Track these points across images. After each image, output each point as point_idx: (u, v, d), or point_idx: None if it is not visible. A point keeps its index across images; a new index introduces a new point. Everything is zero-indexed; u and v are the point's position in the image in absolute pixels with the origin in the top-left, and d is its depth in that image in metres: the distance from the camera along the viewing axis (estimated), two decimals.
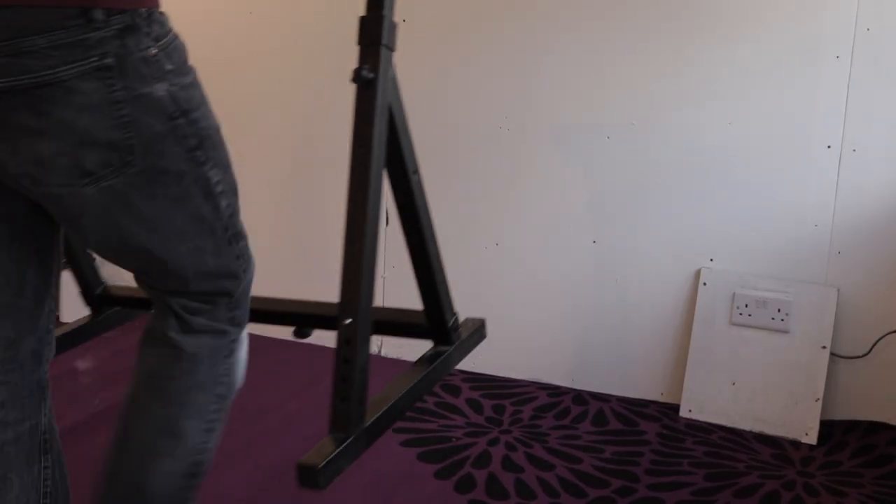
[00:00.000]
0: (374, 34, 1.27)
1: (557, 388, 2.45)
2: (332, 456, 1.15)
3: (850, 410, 2.24)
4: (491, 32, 2.39)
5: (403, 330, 1.58)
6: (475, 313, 2.55)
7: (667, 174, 2.30)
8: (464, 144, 2.48)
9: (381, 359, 2.63)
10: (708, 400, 2.28)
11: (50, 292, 1.24)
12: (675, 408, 2.33)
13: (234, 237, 1.22)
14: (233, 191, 1.21)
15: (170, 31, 1.10)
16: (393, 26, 1.30)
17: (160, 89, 1.07)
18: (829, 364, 2.19)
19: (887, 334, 2.19)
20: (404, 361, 2.61)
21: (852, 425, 2.21)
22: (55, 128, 1.02)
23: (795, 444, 2.16)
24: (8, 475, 1.18)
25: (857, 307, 2.20)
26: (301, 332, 1.68)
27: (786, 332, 2.22)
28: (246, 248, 1.26)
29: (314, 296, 1.76)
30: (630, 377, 2.41)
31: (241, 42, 2.70)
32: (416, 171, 1.43)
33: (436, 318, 1.53)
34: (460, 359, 1.56)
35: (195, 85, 1.14)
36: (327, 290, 1.78)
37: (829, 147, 2.17)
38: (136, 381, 1.23)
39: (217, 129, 1.18)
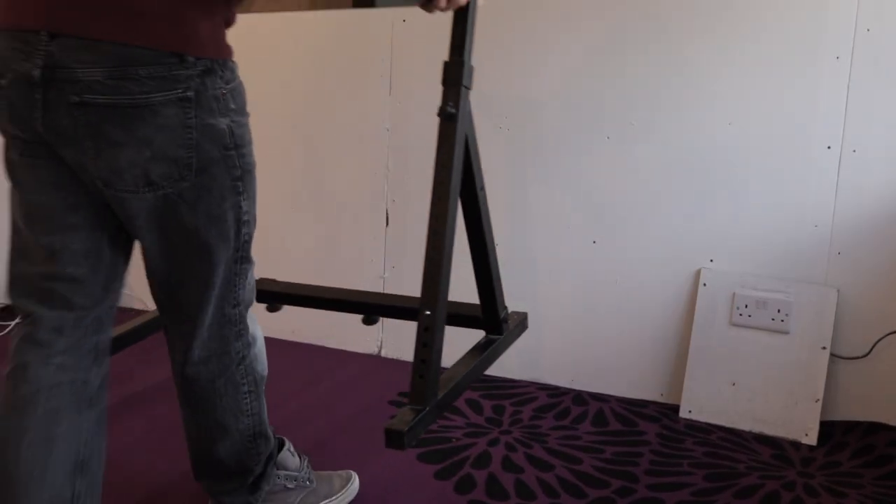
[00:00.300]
0: (456, 76, 1.55)
1: (557, 388, 2.46)
2: (413, 423, 1.42)
3: (849, 411, 2.24)
4: (490, 32, 2.39)
5: (462, 321, 1.82)
6: None
7: (667, 174, 2.30)
8: None
9: (381, 359, 2.63)
10: (708, 400, 2.28)
11: (119, 273, 1.46)
12: (675, 408, 2.33)
13: (243, 257, 1.47)
14: (253, 222, 1.46)
15: (236, 77, 1.37)
16: (471, 70, 1.56)
17: (223, 122, 1.34)
18: (829, 364, 2.19)
19: (887, 335, 2.19)
20: (405, 362, 2.61)
21: (852, 426, 2.21)
22: (136, 142, 1.27)
23: (795, 445, 2.16)
24: (61, 410, 1.39)
25: (857, 307, 2.20)
26: (369, 320, 2.00)
27: (786, 332, 2.22)
28: (249, 272, 1.51)
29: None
30: (630, 378, 2.42)
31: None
32: (482, 188, 1.70)
33: (490, 312, 1.80)
34: (507, 346, 1.82)
35: (247, 126, 1.40)
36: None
37: (829, 147, 2.17)
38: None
39: (254, 167, 1.44)
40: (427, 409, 1.47)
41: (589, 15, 2.31)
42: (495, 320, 1.78)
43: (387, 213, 2.61)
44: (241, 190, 1.40)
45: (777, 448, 2.14)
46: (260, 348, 1.59)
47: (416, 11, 2.47)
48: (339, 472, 1.88)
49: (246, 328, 1.54)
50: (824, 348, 2.19)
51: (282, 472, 1.71)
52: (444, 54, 2.45)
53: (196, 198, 1.34)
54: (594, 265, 2.41)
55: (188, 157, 1.31)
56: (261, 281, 2.10)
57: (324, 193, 2.64)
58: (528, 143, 2.40)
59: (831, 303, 2.19)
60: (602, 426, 2.24)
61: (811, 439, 2.16)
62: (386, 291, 2.63)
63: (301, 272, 2.56)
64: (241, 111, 1.38)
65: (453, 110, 1.53)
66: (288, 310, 2.45)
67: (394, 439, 1.41)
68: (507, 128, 2.42)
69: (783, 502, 1.88)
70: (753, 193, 2.24)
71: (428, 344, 1.47)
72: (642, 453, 2.09)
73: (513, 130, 2.41)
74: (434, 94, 2.49)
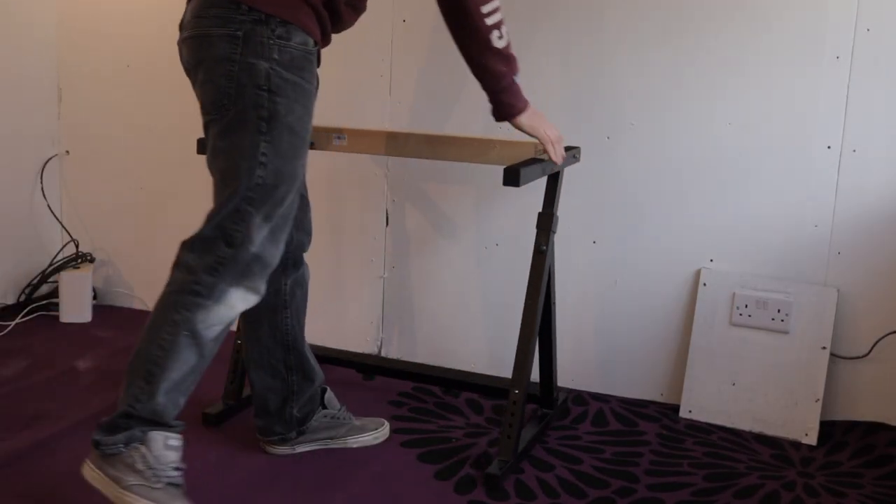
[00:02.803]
0: (547, 224, 2.03)
1: (557, 388, 2.45)
2: (504, 468, 1.93)
3: (849, 411, 2.24)
4: None
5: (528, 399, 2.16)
6: (474, 313, 2.56)
7: (667, 174, 2.30)
8: None
9: (381, 359, 2.62)
10: (708, 400, 2.28)
11: (306, 202, 1.94)
12: (675, 408, 2.33)
13: (248, 201, 1.62)
14: (274, 172, 1.61)
15: (292, 39, 1.61)
16: (556, 219, 2.05)
17: (262, 65, 1.58)
18: (829, 364, 2.19)
19: (887, 334, 2.18)
20: (405, 362, 2.60)
21: (852, 426, 2.21)
22: (198, 65, 1.63)
23: (795, 445, 2.16)
24: (262, 317, 1.92)
25: (857, 307, 2.20)
26: (453, 393, 2.40)
27: (786, 332, 2.22)
28: (254, 222, 1.62)
29: None
30: (630, 377, 2.41)
31: None
32: (554, 294, 2.18)
33: (546, 390, 2.25)
34: (557, 420, 2.30)
35: (294, 84, 1.61)
36: None
37: (829, 147, 2.16)
38: None
39: (292, 125, 1.62)
40: (512, 460, 1.95)
41: (588, 15, 2.31)
42: (549, 397, 2.25)
43: (387, 213, 2.60)
44: (264, 130, 1.60)
45: (777, 448, 2.14)
46: (222, 316, 1.64)
47: (416, 11, 2.47)
48: (373, 418, 2.13)
49: (223, 279, 1.62)
50: (824, 348, 2.19)
51: (327, 411, 2.04)
52: (444, 54, 2.45)
53: (226, 125, 1.60)
54: (594, 265, 2.41)
55: (228, 86, 1.58)
56: None
57: (324, 193, 2.64)
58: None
59: (831, 303, 2.19)
60: (602, 426, 2.24)
61: (811, 439, 2.16)
62: (386, 291, 2.63)
63: None
64: (287, 66, 1.60)
65: (543, 248, 2.01)
66: None
67: (491, 482, 1.89)
68: (507, 128, 2.42)
69: (783, 502, 1.88)
70: (753, 193, 2.24)
71: (515, 413, 1.95)
72: (642, 453, 2.09)
73: (513, 130, 2.40)
74: (434, 94, 2.50)
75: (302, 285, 1.97)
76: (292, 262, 1.92)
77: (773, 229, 2.24)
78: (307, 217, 1.96)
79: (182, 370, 1.63)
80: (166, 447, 1.63)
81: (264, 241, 1.65)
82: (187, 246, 1.65)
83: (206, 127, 1.66)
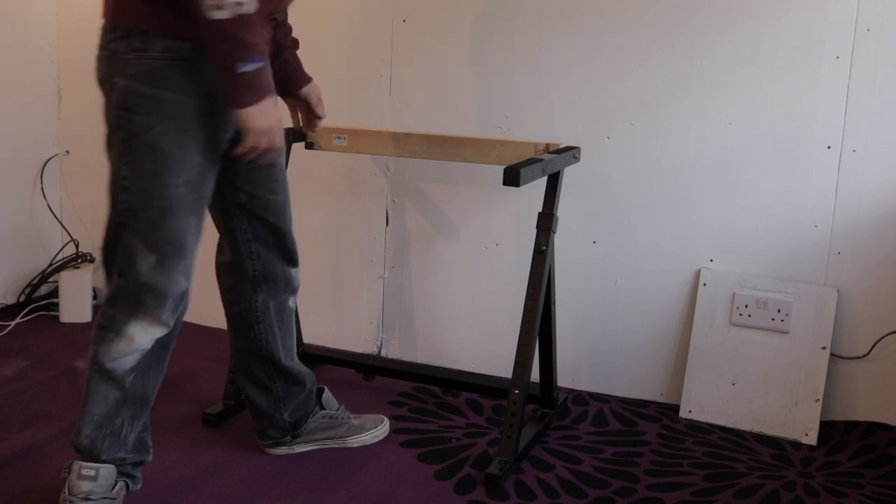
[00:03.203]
0: (547, 224, 2.03)
1: (557, 388, 2.45)
2: (505, 469, 1.93)
3: (849, 411, 2.24)
4: (490, 32, 2.39)
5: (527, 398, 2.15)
6: (474, 313, 2.56)
7: (667, 174, 2.30)
8: None
9: (381, 359, 2.62)
10: (708, 400, 2.28)
11: (280, 229, 1.86)
12: (675, 408, 2.33)
13: (121, 227, 1.57)
14: (138, 196, 1.54)
15: (154, 49, 1.50)
16: (556, 219, 2.04)
17: (120, 82, 1.52)
18: (828, 364, 2.19)
19: (887, 335, 2.18)
20: (404, 362, 2.60)
21: (852, 426, 2.21)
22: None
23: (795, 445, 2.16)
24: (238, 331, 1.92)
25: (857, 307, 2.20)
26: (453, 393, 2.39)
27: (786, 332, 2.22)
28: (130, 253, 1.57)
29: None
30: (630, 378, 2.41)
31: None
32: (554, 294, 2.18)
33: (546, 390, 2.25)
34: (557, 420, 2.30)
35: (154, 97, 1.51)
36: None
37: (829, 147, 2.16)
38: None
39: (152, 143, 1.51)
40: (512, 460, 1.95)
41: (589, 16, 2.31)
42: (549, 397, 2.25)
43: (387, 213, 2.60)
44: (124, 152, 1.53)
45: (777, 448, 2.14)
46: (123, 351, 1.61)
47: (416, 11, 2.47)
48: (373, 415, 2.13)
49: (117, 316, 1.59)
50: (824, 348, 2.19)
51: (325, 412, 2.03)
52: (444, 54, 2.45)
53: (106, 150, 1.59)
54: (594, 265, 2.41)
55: (105, 105, 1.56)
56: None
57: (324, 193, 2.64)
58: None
59: (831, 303, 2.19)
60: (602, 426, 2.24)
61: (811, 439, 2.16)
62: (386, 291, 2.63)
63: (301, 272, 2.54)
64: (145, 80, 1.50)
65: (543, 248, 2.02)
66: None
67: (491, 482, 1.90)
68: (507, 128, 2.42)
69: (783, 502, 1.88)
70: (753, 193, 2.24)
71: (514, 413, 1.97)
72: (642, 453, 2.09)
73: (513, 130, 2.41)
74: (434, 94, 2.50)
75: (278, 301, 1.89)
76: (262, 278, 1.86)
77: (773, 229, 2.24)
78: (285, 241, 1.86)
79: (104, 405, 1.63)
80: (79, 477, 1.64)
81: (152, 271, 1.56)
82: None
83: None
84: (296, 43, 1.89)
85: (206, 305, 2.46)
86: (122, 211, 1.56)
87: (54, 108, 3.00)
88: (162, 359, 1.67)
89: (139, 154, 1.52)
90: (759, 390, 2.23)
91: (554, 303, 2.18)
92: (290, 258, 1.89)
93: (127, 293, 1.58)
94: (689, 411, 2.30)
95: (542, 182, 2.04)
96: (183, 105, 1.52)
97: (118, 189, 1.56)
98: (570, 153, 2.11)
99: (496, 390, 2.29)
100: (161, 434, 2.05)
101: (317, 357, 2.49)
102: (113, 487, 1.65)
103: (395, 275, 2.61)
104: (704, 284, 2.30)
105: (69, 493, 1.63)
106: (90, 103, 2.95)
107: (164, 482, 1.86)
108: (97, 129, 2.96)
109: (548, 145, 2.11)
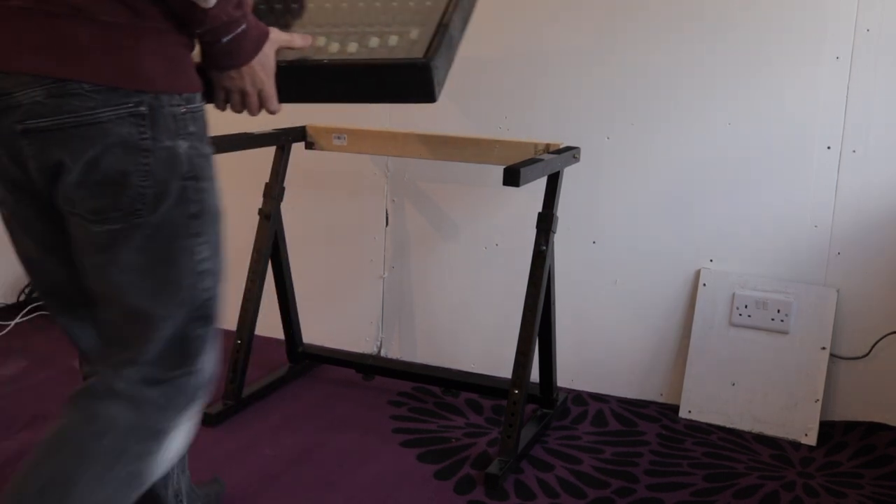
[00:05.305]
0: (547, 224, 2.04)
1: (557, 388, 2.45)
2: (505, 468, 1.93)
3: (849, 411, 2.24)
4: (491, 32, 2.39)
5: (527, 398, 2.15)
6: (474, 313, 2.56)
7: (666, 174, 2.30)
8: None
9: (381, 359, 2.63)
10: (707, 401, 2.28)
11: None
12: (675, 408, 2.33)
13: (203, 318, 1.24)
14: (216, 275, 1.24)
15: (199, 98, 1.20)
16: (556, 219, 2.05)
17: (182, 146, 1.16)
18: (828, 365, 2.19)
19: (887, 335, 2.18)
20: (404, 362, 2.61)
21: (852, 426, 2.21)
22: (83, 166, 1.11)
23: (795, 445, 2.16)
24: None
25: (857, 308, 2.20)
26: (453, 393, 2.38)
27: (785, 332, 2.22)
28: (211, 338, 1.26)
29: None
30: (629, 378, 2.41)
31: None
32: (554, 294, 2.18)
33: (546, 390, 2.25)
34: (557, 420, 2.29)
35: (210, 158, 1.22)
36: None
37: (829, 147, 2.16)
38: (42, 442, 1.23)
39: (218, 211, 1.24)
40: (511, 460, 1.95)
41: (589, 15, 2.31)
42: (548, 397, 2.26)
43: (387, 213, 2.60)
44: (196, 230, 1.20)
45: (777, 448, 2.14)
46: (177, 447, 1.29)
47: None
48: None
49: (189, 404, 1.26)
50: (824, 348, 2.19)
51: None
52: None
53: (146, 235, 1.16)
54: (594, 265, 2.41)
55: (142, 185, 1.13)
56: None
57: (324, 193, 2.64)
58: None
59: (831, 303, 2.19)
60: (602, 426, 2.24)
61: (811, 439, 2.16)
62: (385, 291, 2.63)
63: (301, 272, 2.55)
64: (203, 138, 1.21)
65: (543, 248, 2.02)
66: None
67: (491, 481, 1.89)
68: (506, 128, 2.42)
69: (783, 502, 1.88)
70: (753, 193, 2.24)
71: (515, 414, 1.97)
72: (642, 453, 2.09)
73: (513, 130, 2.41)
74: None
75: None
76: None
77: (772, 229, 2.24)
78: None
79: None
80: None
81: (213, 361, 1.30)
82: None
83: (101, 237, 1.16)
84: None
85: None
86: (203, 302, 1.23)
87: None
88: None
89: (211, 229, 1.22)
90: (758, 390, 2.23)
91: (554, 303, 2.19)
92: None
93: (182, 395, 1.26)
94: (689, 411, 2.30)
95: (542, 182, 2.04)
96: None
97: (196, 277, 1.21)
98: (570, 153, 2.11)
99: (496, 390, 2.28)
100: None
101: (316, 357, 2.49)
102: None
103: (395, 275, 2.62)
104: (704, 285, 2.30)
105: None
106: None
107: None
108: None
109: (548, 145, 2.10)
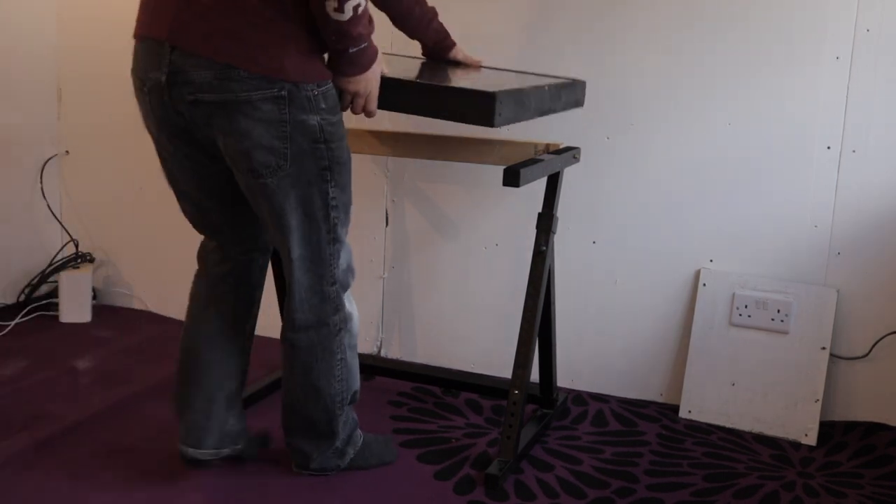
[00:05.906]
0: (547, 225, 2.04)
1: (557, 388, 2.45)
2: (504, 469, 1.92)
3: (849, 411, 2.24)
4: (491, 32, 2.39)
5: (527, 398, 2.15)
6: (474, 313, 2.56)
7: (666, 174, 2.30)
8: None
9: (381, 359, 2.63)
10: (707, 401, 2.28)
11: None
12: (675, 408, 2.33)
13: (334, 238, 1.74)
14: (344, 207, 1.74)
15: (329, 83, 1.65)
16: (556, 219, 2.06)
17: (313, 119, 1.62)
18: (828, 365, 2.19)
19: (887, 335, 2.18)
20: (404, 362, 2.61)
21: (852, 426, 2.21)
22: (237, 133, 1.59)
23: (795, 445, 2.16)
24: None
25: (857, 308, 2.20)
26: (453, 394, 2.40)
27: (785, 332, 2.22)
28: (342, 254, 1.77)
29: None
30: (629, 378, 2.41)
31: None
32: (553, 294, 2.20)
33: (546, 390, 2.26)
34: (557, 420, 2.30)
35: (338, 125, 1.68)
36: None
37: (828, 147, 2.16)
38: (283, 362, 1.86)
39: (346, 161, 1.71)
40: (510, 461, 1.95)
41: (588, 16, 2.31)
42: (549, 398, 2.26)
43: (387, 213, 2.60)
44: (327, 178, 1.68)
45: (777, 448, 2.14)
46: (355, 323, 1.85)
47: None
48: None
49: (343, 304, 1.80)
50: (824, 348, 2.19)
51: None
52: None
53: (289, 184, 1.64)
54: (594, 265, 2.41)
55: (283, 147, 1.61)
56: None
57: None
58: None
59: (831, 303, 2.19)
60: (602, 426, 2.24)
61: (811, 439, 2.16)
62: (385, 291, 2.63)
63: None
64: (332, 111, 1.65)
65: (543, 248, 2.03)
66: None
67: (491, 482, 1.90)
68: (506, 128, 2.42)
69: (783, 502, 1.88)
70: (753, 193, 2.24)
71: (514, 414, 1.97)
72: (642, 454, 2.09)
73: (513, 130, 2.40)
74: None
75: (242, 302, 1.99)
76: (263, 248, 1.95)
77: (772, 229, 2.24)
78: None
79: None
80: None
81: (350, 257, 1.82)
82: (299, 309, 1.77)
83: (256, 187, 1.67)
84: (435, 11, 2.04)
85: None
86: (333, 226, 1.72)
87: (54, 107, 3.00)
88: None
89: (340, 175, 1.70)
90: (758, 390, 2.23)
91: (554, 303, 2.18)
92: (264, 254, 2.03)
93: (343, 282, 1.79)
94: (689, 411, 2.30)
95: (542, 182, 2.04)
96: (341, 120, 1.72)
97: (327, 209, 1.70)
98: (570, 153, 2.11)
99: (496, 390, 2.28)
100: (161, 434, 2.05)
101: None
102: None
103: (395, 275, 2.61)
104: (704, 284, 2.30)
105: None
106: (90, 103, 2.98)
107: None
108: (97, 129, 2.98)
109: (548, 145, 2.10)
